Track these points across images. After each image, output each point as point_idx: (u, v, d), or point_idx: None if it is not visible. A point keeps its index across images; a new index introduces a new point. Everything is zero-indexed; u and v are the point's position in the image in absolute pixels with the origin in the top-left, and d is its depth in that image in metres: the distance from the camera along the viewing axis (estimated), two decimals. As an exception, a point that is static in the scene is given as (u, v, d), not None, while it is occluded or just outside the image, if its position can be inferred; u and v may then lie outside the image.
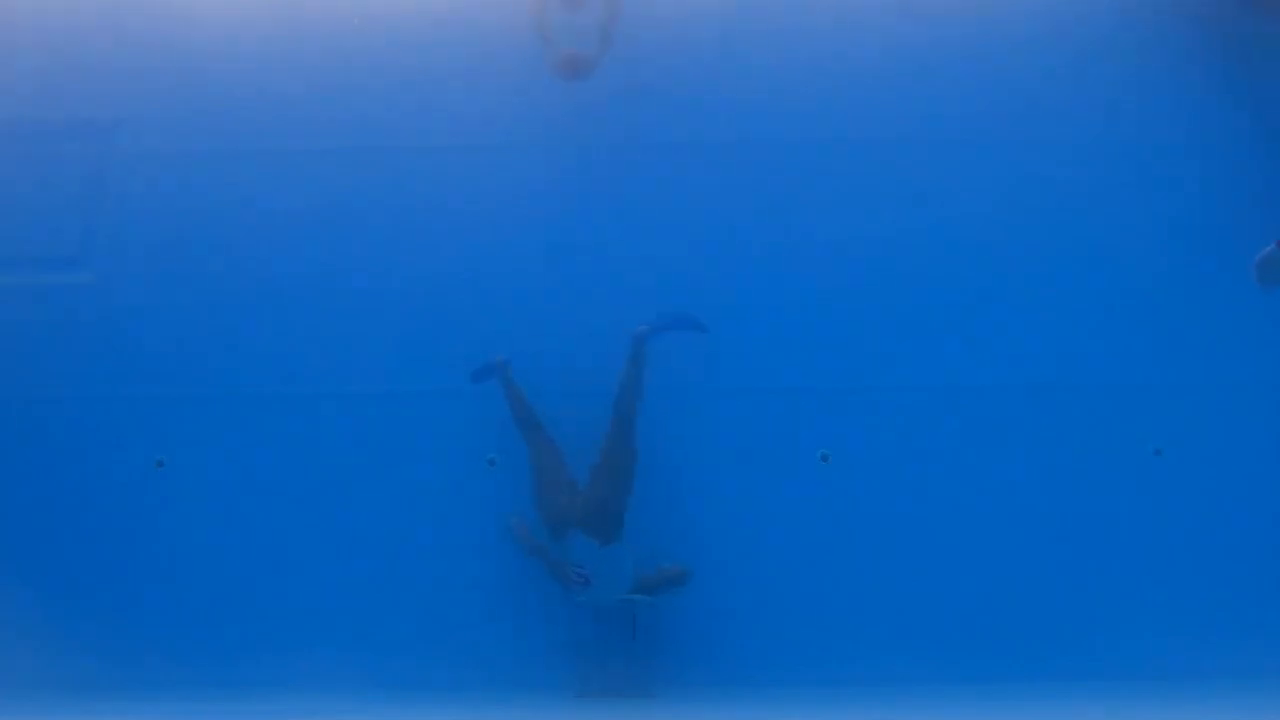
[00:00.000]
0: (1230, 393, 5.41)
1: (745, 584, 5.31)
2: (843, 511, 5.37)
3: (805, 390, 5.48)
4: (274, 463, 5.47)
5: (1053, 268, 5.58)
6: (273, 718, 4.79)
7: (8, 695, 5.07)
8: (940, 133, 5.72)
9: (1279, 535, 5.31)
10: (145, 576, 5.39)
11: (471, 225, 5.60)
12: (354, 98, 5.84)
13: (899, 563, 5.32)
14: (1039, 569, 5.29)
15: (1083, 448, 5.41)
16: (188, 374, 5.56)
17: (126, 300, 5.65)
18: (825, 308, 5.56)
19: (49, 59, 5.96)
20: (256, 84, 5.85)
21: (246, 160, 5.78)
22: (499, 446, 5.42)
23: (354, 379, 5.52)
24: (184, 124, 5.84)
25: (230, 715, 4.87)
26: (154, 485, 5.47)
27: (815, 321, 5.55)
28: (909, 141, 5.71)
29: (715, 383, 5.46)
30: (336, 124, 5.82)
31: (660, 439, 5.25)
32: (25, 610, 5.36)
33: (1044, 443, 5.42)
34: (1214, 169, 5.66)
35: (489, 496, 5.38)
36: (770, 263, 5.61)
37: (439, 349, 5.52)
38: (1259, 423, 5.41)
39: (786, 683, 5.14)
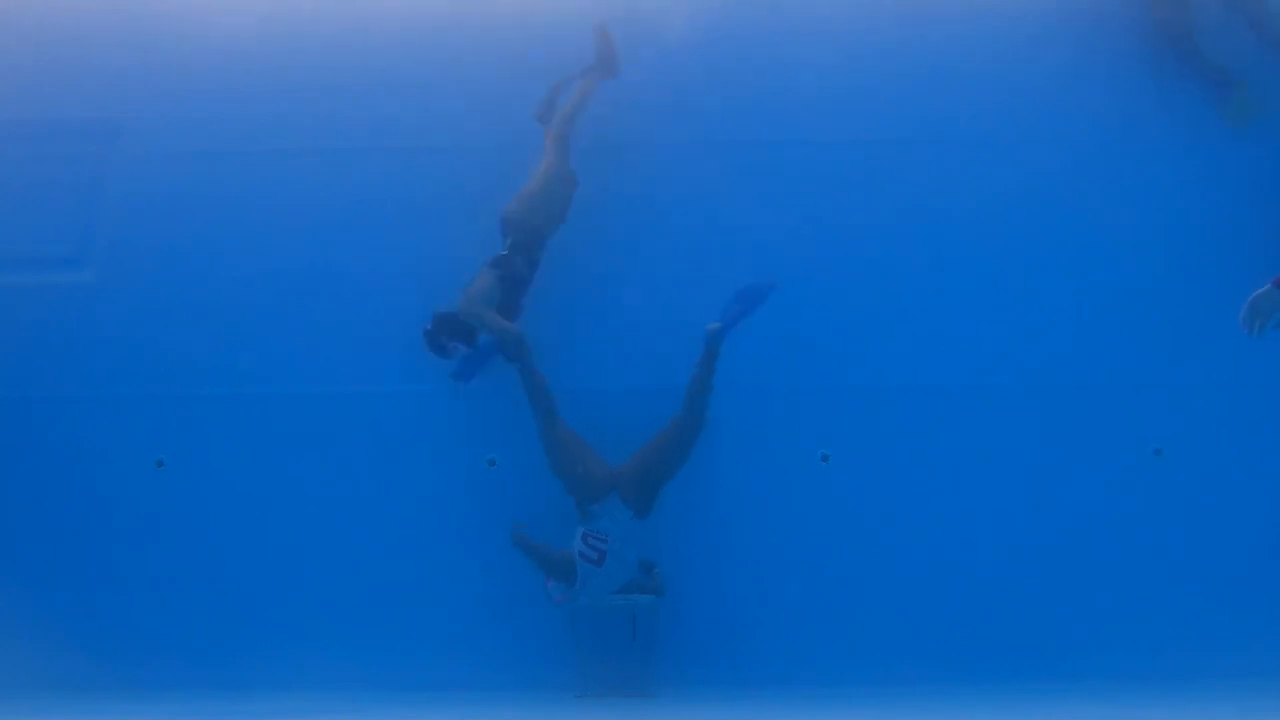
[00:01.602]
0: (1230, 393, 5.41)
1: (745, 584, 5.32)
2: (843, 511, 5.37)
3: (805, 390, 5.48)
4: (274, 463, 5.47)
5: (1053, 268, 5.57)
6: (273, 718, 4.79)
7: (8, 695, 5.07)
8: (942, 133, 5.72)
9: (1279, 535, 5.30)
10: (145, 576, 5.40)
11: (472, 225, 5.59)
12: (354, 98, 5.83)
13: (899, 563, 5.33)
14: (1039, 569, 5.29)
15: (1083, 448, 5.41)
16: (188, 374, 5.56)
17: (126, 300, 5.65)
18: (826, 307, 5.56)
19: (49, 59, 5.96)
20: (257, 84, 5.86)
21: (246, 160, 5.78)
22: (499, 446, 5.43)
23: (354, 379, 5.52)
24: (184, 124, 5.84)
25: (230, 715, 4.87)
26: (154, 485, 5.47)
27: (816, 321, 5.54)
28: (911, 142, 5.71)
29: (715, 382, 5.45)
30: (337, 124, 5.81)
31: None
32: (25, 610, 5.37)
33: (1044, 443, 5.42)
34: (1214, 169, 5.65)
35: (489, 496, 5.38)
36: (770, 262, 5.60)
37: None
38: (1259, 423, 5.41)
39: (786, 683, 5.15)
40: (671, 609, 5.16)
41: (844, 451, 5.44)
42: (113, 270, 5.69)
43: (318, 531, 5.41)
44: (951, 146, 5.70)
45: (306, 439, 5.49)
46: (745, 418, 5.44)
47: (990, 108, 5.75)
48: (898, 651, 5.22)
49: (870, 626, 5.26)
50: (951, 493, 5.37)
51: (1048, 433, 5.43)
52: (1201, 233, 5.59)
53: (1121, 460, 5.39)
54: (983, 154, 5.68)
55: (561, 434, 5.14)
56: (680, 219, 5.67)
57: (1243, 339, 4.47)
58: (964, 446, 5.41)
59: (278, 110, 5.84)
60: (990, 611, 5.25)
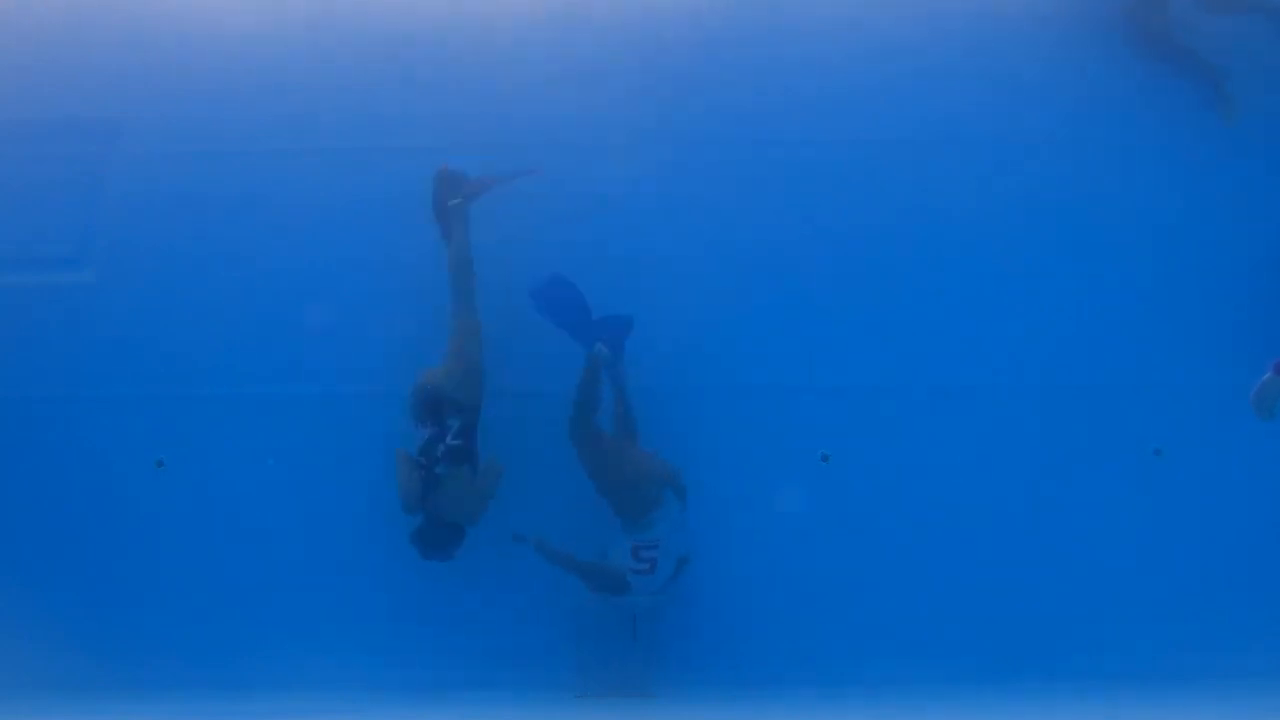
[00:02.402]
0: (1230, 393, 5.39)
1: (745, 584, 5.32)
2: (843, 511, 5.37)
3: (805, 390, 5.48)
4: (274, 463, 5.46)
5: (1053, 268, 5.57)
6: (273, 718, 4.79)
7: (8, 695, 5.07)
8: (943, 133, 5.72)
9: (1279, 535, 5.30)
10: (145, 576, 5.39)
11: (472, 225, 5.58)
12: (354, 98, 5.83)
13: (899, 563, 5.32)
14: (1039, 569, 5.29)
15: (1083, 448, 5.40)
16: (188, 374, 5.55)
17: (126, 300, 5.65)
18: (826, 307, 5.56)
19: (49, 59, 5.96)
20: (257, 84, 5.86)
21: (246, 160, 5.78)
22: (499, 447, 5.42)
23: (353, 379, 5.51)
24: (184, 124, 5.84)
25: (230, 715, 4.87)
26: (154, 485, 5.47)
27: (815, 321, 5.54)
28: (911, 142, 5.71)
29: (715, 382, 5.46)
30: (337, 124, 5.81)
31: (660, 439, 5.25)
32: (25, 610, 5.37)
33: (1044, 443, 5.42)
34: (1214, 169, 5.65)
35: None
36: (770, 262, 5.61)
37: (440, 349, 5.50)
38: (1259, 423, 5.40)
39: (786, 683, 5.15)
40: (671, 609, 5.16)
41: (844, 451, 5.43)
42: (113, 270, 5.69)
43: (318, 531, 5.40)
44: (951, 146, 5.70)
45: (306, 439, 5.48)
46: (745, 418, 5.44)
47: (990, 108, 5.75)
48: (898, 651, 5.21)
49: (870, 626, 5.26)
50: (951, 493, 5.36)
51: (1048, 433, 5.42)
52: (1201, 233, 5.59)
53: (1121, 460, 5.39)
54: (983, 154, 5.69)
55: (611, 445, 5.13)
56: (680, 219, 5.67)
57: (1243, 339, 4.51)
58: (964, 446, 5.41)
59: (278, 110, 5.84)
60: (990, 611, 5.24)
